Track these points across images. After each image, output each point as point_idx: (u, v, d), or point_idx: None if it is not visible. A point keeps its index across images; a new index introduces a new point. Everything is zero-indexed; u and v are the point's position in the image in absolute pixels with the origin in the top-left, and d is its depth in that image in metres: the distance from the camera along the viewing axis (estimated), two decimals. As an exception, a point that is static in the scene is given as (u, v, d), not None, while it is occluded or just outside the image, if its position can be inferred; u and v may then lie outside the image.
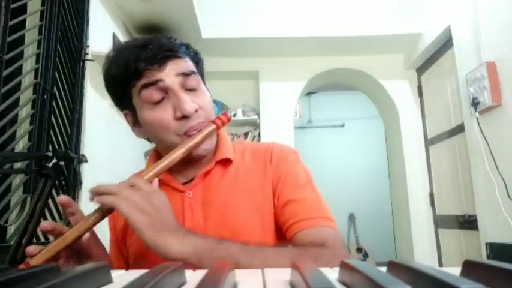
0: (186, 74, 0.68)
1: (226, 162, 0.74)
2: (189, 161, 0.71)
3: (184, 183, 0.74)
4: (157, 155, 0.78)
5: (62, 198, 0.57)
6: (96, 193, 0.55)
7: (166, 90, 0.66)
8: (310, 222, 0.66)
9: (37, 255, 0.53)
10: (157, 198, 0.56)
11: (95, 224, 0.56)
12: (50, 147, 1.49)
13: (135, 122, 0.74)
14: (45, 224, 0.55)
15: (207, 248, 0.54)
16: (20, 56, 1.39)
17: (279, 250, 0.59)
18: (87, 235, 0.58)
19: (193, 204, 0.70)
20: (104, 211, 0.56)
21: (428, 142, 3.01)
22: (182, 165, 0.73)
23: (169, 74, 0.66)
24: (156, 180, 0.61)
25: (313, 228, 0.65)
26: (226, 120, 0.70)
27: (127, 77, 0.67)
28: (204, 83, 0.75)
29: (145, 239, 0.52)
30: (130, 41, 0.72)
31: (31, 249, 0.54)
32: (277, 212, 0.70)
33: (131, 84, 0.68)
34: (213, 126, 0.68)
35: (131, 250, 0.72)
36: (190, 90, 0.69)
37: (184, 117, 0.66)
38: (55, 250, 0.53)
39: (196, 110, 0.67)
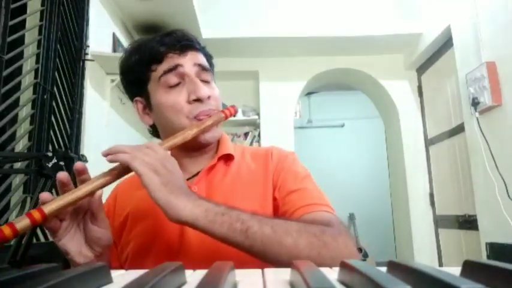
0: (202, 67, 0.73)
1: (228, 158, 0.77)
2: (191, 152, 0.75)
3: (187, 179, 0.74)
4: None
5: (78, 164, 0.56)
6: (110, 153, 0.55)
7: (183, 76, 0.71)
8: (314, 207, 0.67)
9: (50, 202, 0.52)
10: (171, 163, 0.58)
11: (109, 182, 0.56)
12: (50, 147, 1.49)
13: (145, 109, 0.77)
14: (62, 175, 0.55)
15: (218, 211, 0.54)
16: (20, 56, 1.39)
17: (289, 220, 0.59)
18: (99, 194, 0.58)
19: None
20: (119, 170, 0.56)
21: (428, 142, 3.01)
22: (183, 160, 0.75)
23: (189, 61, 0.72)
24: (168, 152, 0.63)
25: (317, 212, 0.66)
26: (234, 112, 0.74)
27: (149, 59, 0.72)
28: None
29: (157, 198, 0.53)
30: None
31: (45, 195, 0.53)
32: (280, 202, 0.71)
33: (152, 68, 0.72)
34: (222, 115, 0.71)
35: (130, 246, 0.71)
36: (204, 81, 0.73)
37: (198, 100, 0.70)
38: (67, 200, 0.52)
39: (209, 97, 0.71)
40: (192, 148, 0.75)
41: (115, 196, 0.81)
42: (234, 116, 0.77)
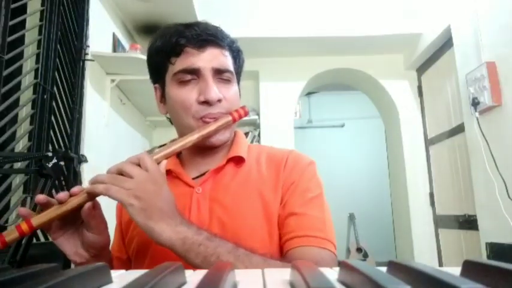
0: (220, 70, 0.70)
1: (239, 160, 0.74)
2: (202, 150, 0.73)
3: (195, 177, 0.74)
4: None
5: (40, 197, 0.56)
6: (91, 182, 0.56)
7: (198, 74, 0.69)
8: (309, 240, 0.63)
9: (39, 215, 0.54)
10: (156, 181, 0.56)
11: (86, 201, 0.57)
12: (50, 147, 1.49)
13: (162, 98, 0.76)
14: (39, 199, 0.55)
15: (195, 241, 0.54)
16: (20, 56, 1.39)
17: (268, 262, 0.57)
18: (89, 205, 0.58)
19: (201, 200, 0.69)
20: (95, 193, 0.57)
21: (428, 142, 3.01)
22: (194, 157, 0.74)
23: (206, 58, 0.69)
24: (164, 162, 0.61)
25: (310, 248, 0.63)
26: (243, 114, 0.71)
27: (168, 50, 0.70)
28: (238, 81, 0.78)
29: (137, 222, 0.54)
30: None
31: (23, 211, 0.55)
32: (280, 221, 0.68)
33: (171, 60, 0.70)
34: (229, 118, 0.69)
35: (135, 241, 0.72)
36: (222, 80, 0.71)
37: (206, 102, 0.68)
38: (55, 214, 0.54)
39: (219, 100, 0.69)
40: (202, 147, 0.73)
41: None
42: (246, 116, 0.74)
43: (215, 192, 0.70)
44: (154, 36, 0.75)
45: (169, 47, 0.70)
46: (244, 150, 0.75)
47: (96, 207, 0.59)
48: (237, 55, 0.76)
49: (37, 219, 0.54)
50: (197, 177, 0.74)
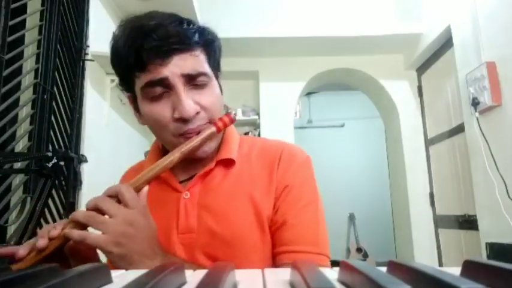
0: (191, 76, 0.61)
1: (228, 162, 0.69)
2: (189, 160, 0.67)
3: (184, 181, 0.70)
4: (157, 147, 0.76)
5: (20, 253, 0.51)
6: (71, 221, 0.53)
7: (168, 85, 0.61)
8: (301, 256, 0.60)
9: (20, 262, 0.51)
10: (135, 221, 0.53)
11: (66, 242, 0.53)
12: (50, 147, 1.49)
13: (137, 109, 0.68)
14: (19, 254, 0.51)
15: None
16: (20, 56, 1.39)
17: None
18: (70, 244, 0.54)
19: (189, 206, 0.66)
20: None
21: (428, 142, 3.01)
22: (182, 162, 0.68)
23: (174, 69, 0.60)
24: (145, 189, 0.57)
25: None
26: (229, 122, 0.65)
27: (129, 64, 0.61)
28: (217, 76, 0.69)
29: (118, 267, 0.50)
30: (138, 17, 0.65)
31: (20, 252, 0.51)
32: (271, 226, 0.65)
33: (134, 74, 0.62)
34: (213, 129, 0.63)
35: None
36: (196, 86, 0.63)
37: (182, 119, 0.61)
38: (26, 265, 0.51)
39: (197, 113, 0.62)
40: (186, 160, 0.65)
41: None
42: (232, 124, 0.67)
43: (204, 197, 0.66)
44: (113, 36, 0.64)
45: (131, 61, 0.60)
46: (234, 151, 0.70)
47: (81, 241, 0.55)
48: (210, 48, 0.66)
49: (21, 263, 0.51)
50: (185, 180, 0.70)
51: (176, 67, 0.60)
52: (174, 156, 0.60)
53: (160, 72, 0.60)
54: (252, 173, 0.69)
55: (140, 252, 0.52)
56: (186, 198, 0.66)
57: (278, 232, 0.64)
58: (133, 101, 0.68)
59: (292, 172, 0.68)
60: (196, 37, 0.62)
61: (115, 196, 0.54)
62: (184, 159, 0.62)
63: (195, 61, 0.62)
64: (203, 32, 0.65)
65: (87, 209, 0.54)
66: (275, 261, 0.63)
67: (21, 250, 0.51)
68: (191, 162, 0.69)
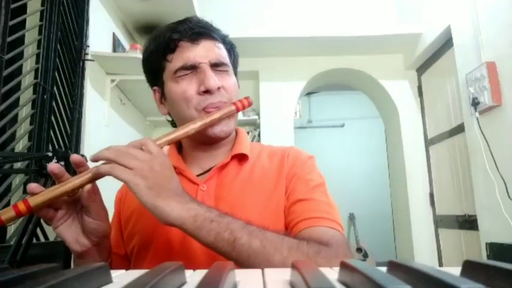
0: (217, 64, 0.70)
1: (242, 158, 0.74)
2: (205, 145, 0.74)
3: (199, 175, 0.73)
4: (174, 144, 0.79)
5: (74, 157, 0.55)
6: (95, 159, 0.54)
7: (196, 68, 0.69)
8: (318, 221, 0.63)
9: (37, 194, 0.52)
10: (161, 162, 0.54)
11: (96, 178, 0.55)
12: (50, 147, 1.49)
13: (161, 99, 0.76)
14: (53, 166, 0.53)
15: (207, 217, 0.52)
16: (20, 56, 1.39)
17: (281, 237, 0.55)
18: (88, 188, 0.56)
19: (206, 198, 0.69)
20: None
21: (428, 142, 3.01)
22: (197, 153, 0.74)
23: (201, 50, 0.69)
24: (166, 147, 0.61)
25: (319, 227, 0.62)
26: (247, 104, 0.71)
27: (163, 48, 0.70)
28: (236, 75, 0.78)
29: (144, 202, 0.51)
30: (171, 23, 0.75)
31: (33, 186, 0.53)
32: (286, 211, 0.68)
33: (167, 58, 0.71)
34: (233, 107, 0.69)
35: (135, 239, 0.71)
36: (219, 71, 0.71)
37: (207, 92, 0.68)
38: (53, 194, 0.52)
39: (219, 88, 0.69)
40: (204, 141, 0.73)
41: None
42: (250, 107, 0.73)
43: (220, 190, 0.70)
44: (147, 39, 0.76)
45: (164, 44, 0.70)
46: (247, 148, 0.75)
47: (96, 192, 0.58)
48: (231, 48, 0.78)
49: (35, 199, 0.51)
50: (201, 174, 0.73)
51: (204, 53, 0.70)
52: (195, 124, 0.64)
53: (191, 58, 0.69)
54: (264, 168, 0.74)
55: (167, 186, 0.53)
56: (204, 191, 0.70)
57: (292, 209, 0.67)
58: (159, 91, 0.76)
59: (299, 164, 0.73)
60: (221, 33, 0.75)
61: (139, 148, 0.56)
62: (200, 140, 0.70)
63: (220, 52, 0.72)
64: (226, 35, 0.77)
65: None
66: (292, 234, 0.64)
67: (33, 185, 0.53)
68: (205, 155, 0.75)
